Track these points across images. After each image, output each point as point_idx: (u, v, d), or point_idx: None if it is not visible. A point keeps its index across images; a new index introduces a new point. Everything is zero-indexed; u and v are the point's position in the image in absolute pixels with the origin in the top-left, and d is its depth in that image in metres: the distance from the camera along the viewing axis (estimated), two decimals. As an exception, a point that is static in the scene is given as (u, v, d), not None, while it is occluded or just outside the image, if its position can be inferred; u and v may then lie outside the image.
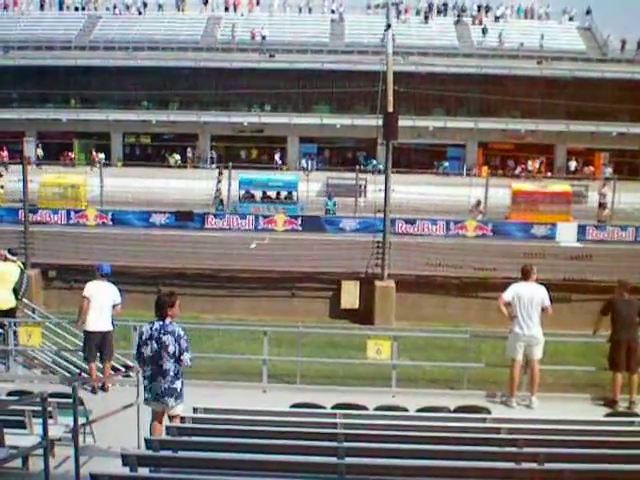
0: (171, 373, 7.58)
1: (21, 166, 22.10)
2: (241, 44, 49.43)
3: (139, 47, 48.33)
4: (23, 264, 13.01)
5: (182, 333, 7.64)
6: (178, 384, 7.67)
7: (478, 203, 30.26)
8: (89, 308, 10.71)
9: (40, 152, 46.59)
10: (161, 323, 7.65)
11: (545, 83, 46.72)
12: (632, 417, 8.66)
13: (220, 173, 32.88)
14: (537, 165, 46.91)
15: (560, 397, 11.05)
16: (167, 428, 7.08)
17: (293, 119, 47.60)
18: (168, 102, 49.11)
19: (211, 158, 47.45)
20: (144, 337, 7.68)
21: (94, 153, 46.08)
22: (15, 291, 12.22)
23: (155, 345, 7.58)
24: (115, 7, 53.29)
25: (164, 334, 7.58)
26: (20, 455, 6.81)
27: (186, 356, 7.62)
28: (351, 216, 29.75)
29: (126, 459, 5.94)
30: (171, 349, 7.54)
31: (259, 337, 12.12)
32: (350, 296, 22.09)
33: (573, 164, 47.62)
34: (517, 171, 46.11)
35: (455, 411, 8.46)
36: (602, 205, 31.27)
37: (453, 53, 48.79)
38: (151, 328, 7.68)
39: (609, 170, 44.97)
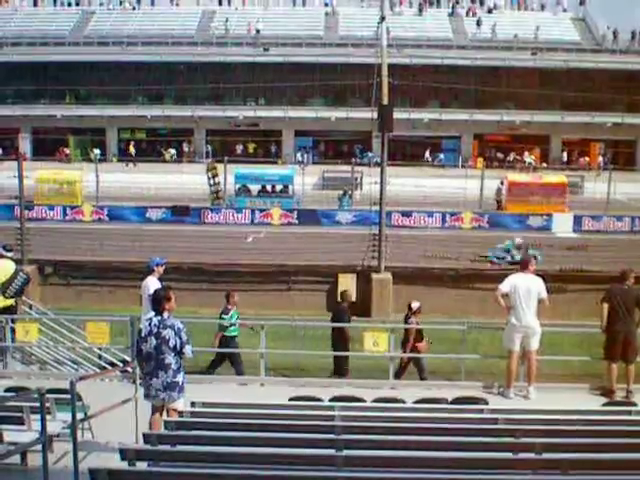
0: (173, 367, 7.57)
1: (17, 162, 22.03)
2: (235, 38, 49.30)
3: (133, 42, 48.14)
4: (15, 261, 12.74)
5: (181, 326, 7.63)
6: (180, 378, 7.67)
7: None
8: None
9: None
10: (159, 318, 7.62)
11: (540, 74, 46.67)
12: (629, 406, 8.68)
13: (213, 168, 32.74)
14: (537, 154, 46.74)
15: (557, 387, 11.05)
16: (165, 422, 7.07)
17: (288, 112, 47.45)
18: (163, 97, 48.99)
19: (207, 152, 47.36)
20: (143, 333, 7.63)
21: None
22: (4, 288, 11.99)
23: (155, 340, 7.55)
24: (110, 0, 53.11)
25: (164, 328, 7.55)
26: (19, 451, 6.81)
27: (187, 348, 7.63)
28: (347, 209, 29.78)
29: (124, 454, 5.94)
30: (172, 343, 7.53)
31: (256, 331, 12.12)
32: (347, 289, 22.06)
33: (565, 155, 47.65)
34: (511, 158, 46.08)
35: (453, 402, 8.47)
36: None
37: (447, 45, 48.66)
38: (150, 324, 7.63)
39: (600, 160, 45.11)
